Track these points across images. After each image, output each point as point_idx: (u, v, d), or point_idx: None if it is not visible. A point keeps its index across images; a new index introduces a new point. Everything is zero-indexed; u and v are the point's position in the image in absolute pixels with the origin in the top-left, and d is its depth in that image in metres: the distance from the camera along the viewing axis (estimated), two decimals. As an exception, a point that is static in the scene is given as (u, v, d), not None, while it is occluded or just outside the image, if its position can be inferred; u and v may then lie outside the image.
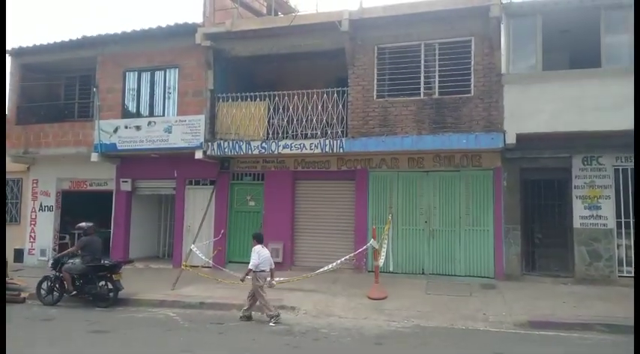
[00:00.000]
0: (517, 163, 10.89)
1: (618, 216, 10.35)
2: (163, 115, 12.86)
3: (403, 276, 11.20)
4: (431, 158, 11.42)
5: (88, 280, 9.68)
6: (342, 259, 10.42)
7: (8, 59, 14.22)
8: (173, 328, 8.01)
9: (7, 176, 14.59)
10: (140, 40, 13.00)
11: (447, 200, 11.36)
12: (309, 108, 11.69)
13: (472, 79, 10.77)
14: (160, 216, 15.39)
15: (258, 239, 8.71)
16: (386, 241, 10.57)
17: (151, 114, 13.00)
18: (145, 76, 13.13)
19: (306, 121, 11.71)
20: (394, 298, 9.33)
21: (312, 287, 10.18)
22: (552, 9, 10.16)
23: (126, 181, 13.87)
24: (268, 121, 12.04)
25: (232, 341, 7.27)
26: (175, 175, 13.45)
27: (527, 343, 7.04)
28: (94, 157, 13.03)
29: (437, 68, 11.09)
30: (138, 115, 13.13)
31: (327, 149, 11.27)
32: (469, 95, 10.76)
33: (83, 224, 10.21)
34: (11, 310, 9.08)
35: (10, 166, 14.37)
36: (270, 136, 11.97)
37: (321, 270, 10.38)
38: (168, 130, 12.44)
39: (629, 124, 9.14)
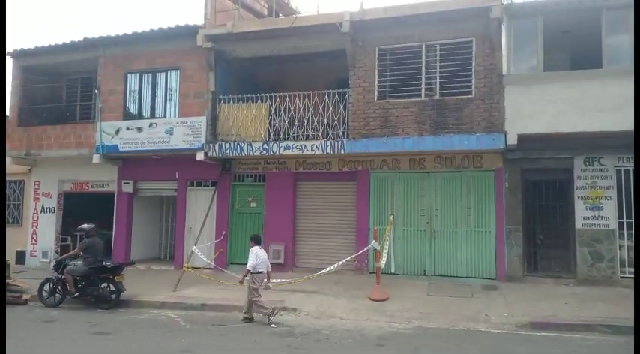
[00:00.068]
0: (518, 164, 10.89)
1: (620, 217, 10.34)
2: (165, 116, 12.87)
3: (405, 277, 11.20)
4: (432, 159, 11.43)
5: (90, 281, 9.70)
6: (344, 260, 10.44)
7: (10, 61, 14.28)
8: (175, 329, 8.02)
9: (9, 178, 14.66)
10: (141, 42, 13.02)
11: (449, 201, 11.36)
12: (311, 109, 11.70)
13: (473, 80, 10.77)
14: (162, 217, 15.41)
15: (256, 240, 8.76)
16: (387, 243, 10.55)
17: (153, 116, 13.01)
18: (147, 78, 13.14)
19: (307, 122, 11.73)
20: (396, 300, 9.33)
21: (313, 288, 10.19)
22: (553, 10, 10.16)
23: (127, 183, 13.90)
24: (269, 123, 12.06)
25: (234, 343, 7.28)
26: (177, 176, 13.47)
27: (528, 344, 7.02)
28: (96, 158, 13.05)
29: (438, 69, 11.09)
30: (139, 116, 13.15)
31: (328, 150, 11.28)
32: (470, 96, 10.76)
33: (85, 226, 10.24)
34: (13, 312, 9.13)
35: (12, 167, 14.44)
36: (272, 137, 11.98)
37: (323, 271, 10.39)
38: (170, 132, 12.45)
39: (629, 124, 9.13)
